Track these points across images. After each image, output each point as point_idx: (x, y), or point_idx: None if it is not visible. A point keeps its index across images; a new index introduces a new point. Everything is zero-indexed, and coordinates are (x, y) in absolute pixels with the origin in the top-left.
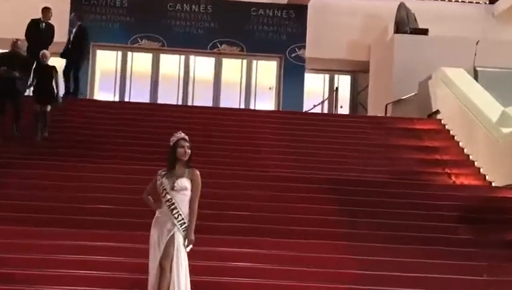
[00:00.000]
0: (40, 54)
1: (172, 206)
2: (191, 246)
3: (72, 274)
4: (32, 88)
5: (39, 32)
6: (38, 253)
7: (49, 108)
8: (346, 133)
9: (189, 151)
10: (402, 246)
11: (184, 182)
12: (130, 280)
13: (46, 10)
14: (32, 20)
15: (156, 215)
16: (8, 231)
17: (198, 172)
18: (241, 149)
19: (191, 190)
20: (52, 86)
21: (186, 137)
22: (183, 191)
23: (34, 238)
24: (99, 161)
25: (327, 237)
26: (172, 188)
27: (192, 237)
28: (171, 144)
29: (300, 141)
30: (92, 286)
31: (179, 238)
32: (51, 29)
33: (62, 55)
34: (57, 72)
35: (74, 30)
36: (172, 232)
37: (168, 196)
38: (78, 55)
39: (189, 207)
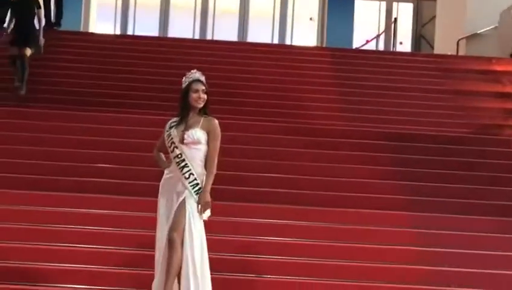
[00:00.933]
0: None
1: (182, 164)
2: (208, 213)
3: (68, 249)
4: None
5: None
6: (31, 221)
7: (28, 52)
8: (407, 76)
9: (204, 96)
10: (474, 217)
11: (197, 134)
12: (133, 256)
13: None
14: None
15: (163, 177)
16: None
17: (216, 121)
18: (274, 95)
19: (207, 144)
20: (34, 24)
21: (203, 78)
22: (195, 145)
23: (27, 203)
24: (99, 110)
25: (382, 205)
26: (182, 141)
27: (208, 198)
28: (183, 86)
29: (349, 85)
30: (89, 262)
31: (192, 204)
32: None
33: None
34: (40, 6)
35: None
36: (183, 197)
37: (177, 151)
38: None
39: (205, 165)
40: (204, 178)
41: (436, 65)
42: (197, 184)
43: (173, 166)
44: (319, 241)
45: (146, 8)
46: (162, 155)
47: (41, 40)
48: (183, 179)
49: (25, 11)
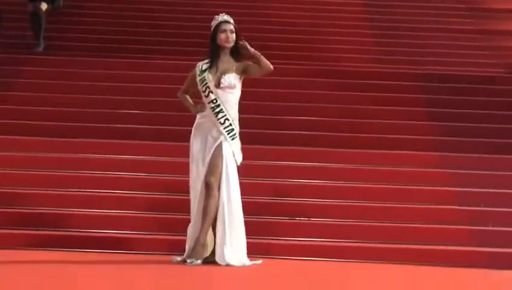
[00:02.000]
0: None
1: (218, 109)
2: (240, 158)
3: (98, 195)
4: None
5: None
6: (58, 168)
7: (44, 7)
8: (436, 16)
9: (233, 36)
10: (507, 157)
11: (232, 79)
12: (167, 200)
13: None
14: None
15: (196, 121)
16: (22, 142)
17: (249, 62)
18: (307, 39)
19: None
20: None
21: (230, 19)
22: (231, 90)
23: (54, 150)
24: (124, 56)
25: (416, 146)
26: (218, 85)
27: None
28: (212, 29)
29: (379, 27)
30: (121, 208)
31: (228, 149)
32: None
33: None
34: None
35: None
36: (219, 141)
37: (212, 96)
38: None
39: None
40: (237, 123)
41: (465, 4)
42: (232, 129)
43: (207, 110)
44: (347, 182)
45: None
46: (189, 98)
47: None
48: (219, 124)
49: None
